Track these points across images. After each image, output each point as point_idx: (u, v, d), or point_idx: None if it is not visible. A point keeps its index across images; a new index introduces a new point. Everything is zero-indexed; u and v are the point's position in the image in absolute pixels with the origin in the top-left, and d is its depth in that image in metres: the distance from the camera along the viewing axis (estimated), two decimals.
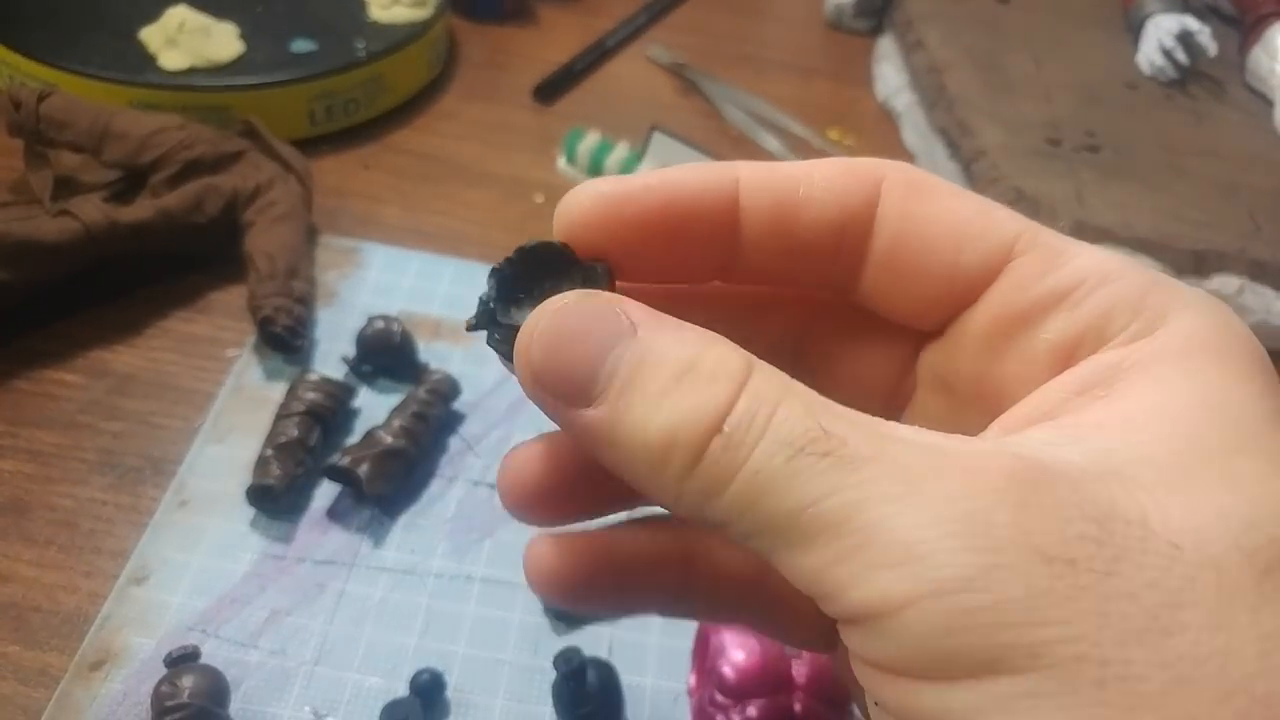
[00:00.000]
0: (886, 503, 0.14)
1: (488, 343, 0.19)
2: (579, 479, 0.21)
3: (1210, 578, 0.14)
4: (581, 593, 0.21)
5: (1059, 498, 0.15)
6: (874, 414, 0.17)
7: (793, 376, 0.17)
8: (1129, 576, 0.14)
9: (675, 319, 0.17)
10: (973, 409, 0.19)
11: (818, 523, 0.15)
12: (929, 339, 0.20)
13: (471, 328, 0.19)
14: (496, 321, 0.19)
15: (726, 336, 0.17)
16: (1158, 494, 0.15)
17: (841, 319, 0.21)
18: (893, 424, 0.16)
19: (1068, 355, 0.18)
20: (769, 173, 0.19)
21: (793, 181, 0.19)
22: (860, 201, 0.19)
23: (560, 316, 0.17)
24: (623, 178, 0.19)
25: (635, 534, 0.21)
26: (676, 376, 0.16)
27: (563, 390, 0.17)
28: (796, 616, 0.23)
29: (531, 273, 0.19)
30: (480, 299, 0.19)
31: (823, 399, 0.16)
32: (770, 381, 0.16)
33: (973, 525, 0.14)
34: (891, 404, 0.21)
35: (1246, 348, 0.17)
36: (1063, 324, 0.18)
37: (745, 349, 0.17)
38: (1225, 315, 0.17)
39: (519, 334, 0.17)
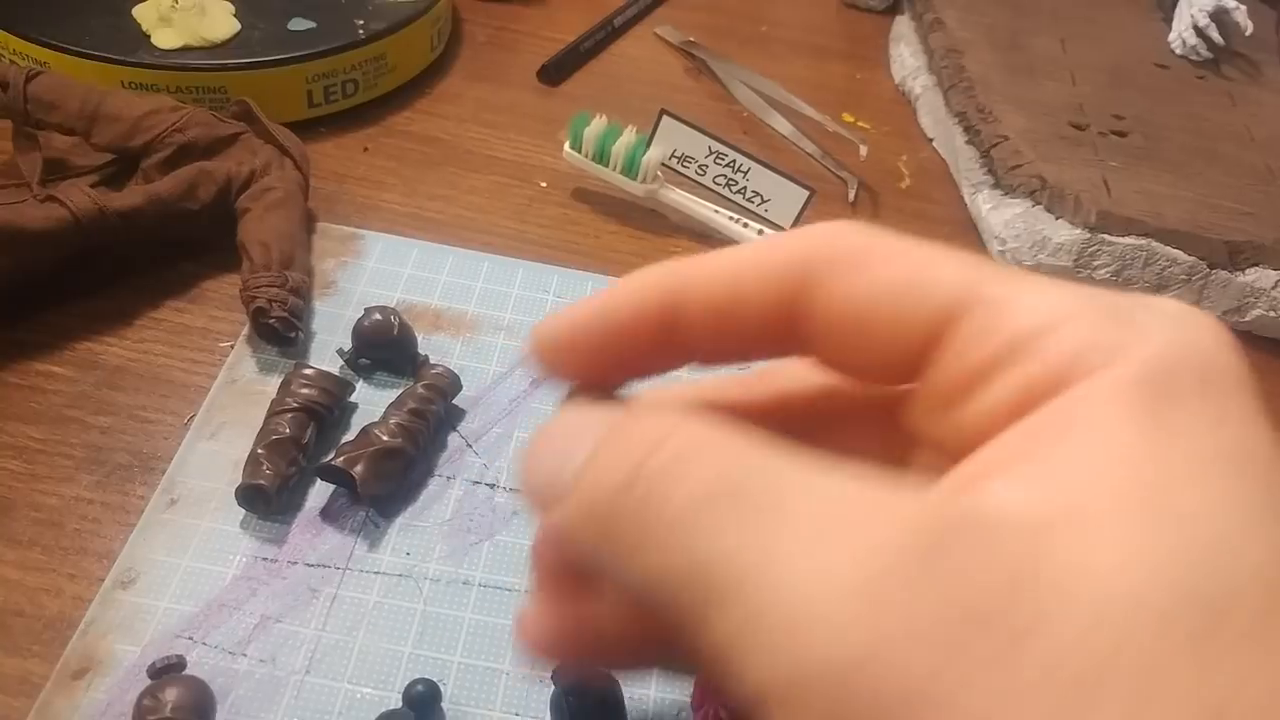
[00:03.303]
0: (791, 557, 0.14)
1: None
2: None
3: (1142, 641, 0.12)
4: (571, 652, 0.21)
5: (974, 555, 0.13)
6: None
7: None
8: (1042, 646, 0.12)
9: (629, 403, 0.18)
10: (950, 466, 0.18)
11: (726, 580, 0.14)
12: (904, 403, 0.20)
13: None
14: None
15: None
16: (1092, 543, 0.13)
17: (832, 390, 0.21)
18: (829, 467, 0.15)
19: (1025, 407, 0.16)
20: (702, 273, 0.19)
21: (726, 276, 0.19)
22: (795, 281, 0.18)
23: (540, 431, 0.18)
24: (566, 315, 0.20)
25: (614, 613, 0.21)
26: (604, 444, 0.16)
27: (537, 498, 0.18)
28: None
29: None
30: None
31: (756, 445, 0.15)
32: (702, 432, 0.16)
33: (873, 589, 0.13)
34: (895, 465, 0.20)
35: (1215, 372, 0.15)
36: (1014, 378, 0.16)
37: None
38: (1193, 337, 0.15)
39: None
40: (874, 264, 0.18)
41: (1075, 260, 0.51)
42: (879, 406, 0.20)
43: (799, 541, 0.14)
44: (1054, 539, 0.13)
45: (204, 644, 0.33)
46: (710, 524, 0.14)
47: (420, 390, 0.40)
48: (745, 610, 0.14)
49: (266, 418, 0.38)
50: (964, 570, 0.13)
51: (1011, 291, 0.17)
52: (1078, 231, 0.51)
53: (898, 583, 0.13)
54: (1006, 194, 0.54)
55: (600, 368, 0.20)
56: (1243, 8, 0.64)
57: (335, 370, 0.41)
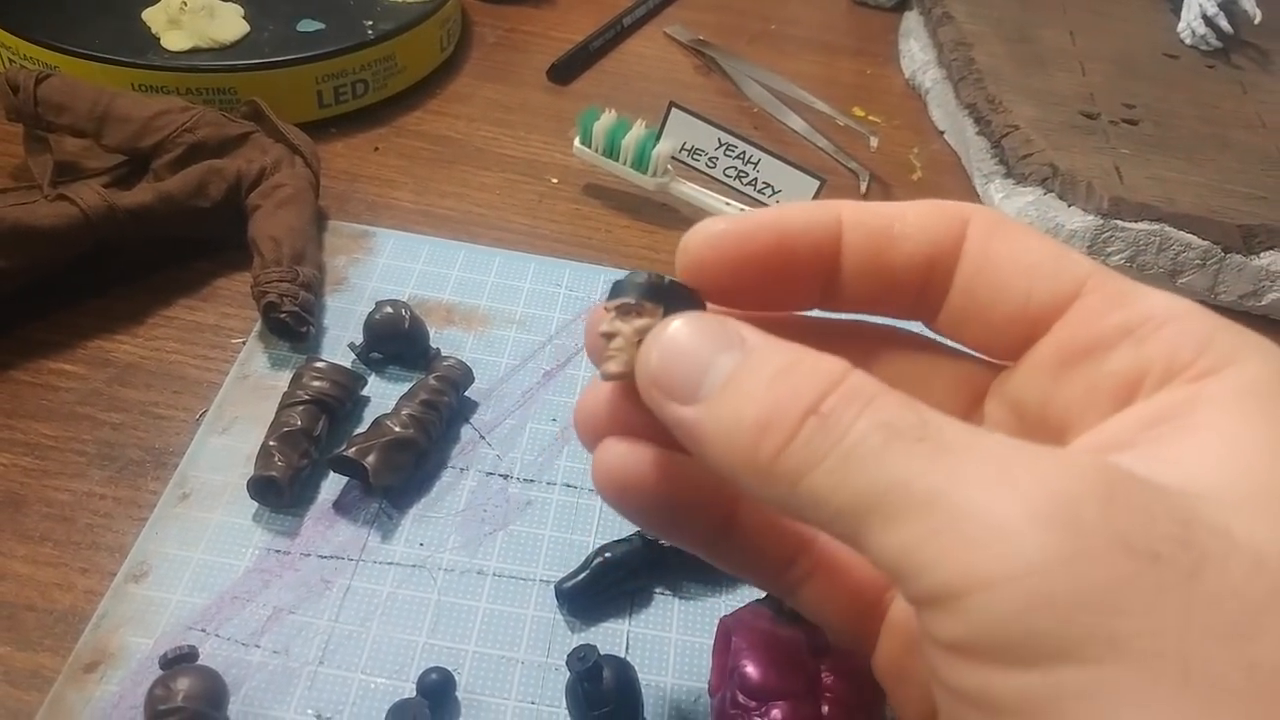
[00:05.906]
0: (977, 486, 0.15)
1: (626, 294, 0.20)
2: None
3: None
4: (640, 499, 0.22)
5: (1146, 499, 0.15)
6: None
7: None
8: (1212, 581, 0.14)
9: (781, 338, 0.18)
10: (1038, 436, 0.19)
11: (907, 501, 0.15)
12: (999, 371, 0.21)
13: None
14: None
15: None
16: (1242, 514, 0.15)
17: (915, 351, 0.22)
18: (978, 427, 0.16)
19: (1132, 388, 0.18)
20: (867, 212, 0.21)
21: (888, 220, 0.20)
22: (948, 239, 0.20)
23: (679, 329, 0.19)
24: (737, 217, 0.20)
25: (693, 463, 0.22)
26: (778, 373, 0.17)
27: (673, 389, 0.18)
28: (831, 595, 0.24)
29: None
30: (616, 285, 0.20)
31: (919, 402, 0.16)
32: (868, 380, 0.17)
33: (1061, 512, 0.14)
34: None
35: None
36: (1128, 357, 0.18)
37: None
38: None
39: (642, 345, 0.19)
40: (1022, 236, 0.20)
41: (1089, 247, 0.50)
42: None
43: (981, 475, 0.15)
44: (1210, 506, 0.15)
45: (217, 636, 0.33)
46: (892, 455, 0.15)
47: (432, 382, 0.40)
48: (930, 525, 0.15)
49: (278, 410, 0.38)
50: (1140, 510, 0.14)
51: (1135, 285, 0.19)
52: (1090, 218, 0.50)
53: (1080, 514, 0.14)
54: (1018, 183, 0.54)
55: (744, 279, 0.20)
56: None
57: (347, 365, 0.41)
